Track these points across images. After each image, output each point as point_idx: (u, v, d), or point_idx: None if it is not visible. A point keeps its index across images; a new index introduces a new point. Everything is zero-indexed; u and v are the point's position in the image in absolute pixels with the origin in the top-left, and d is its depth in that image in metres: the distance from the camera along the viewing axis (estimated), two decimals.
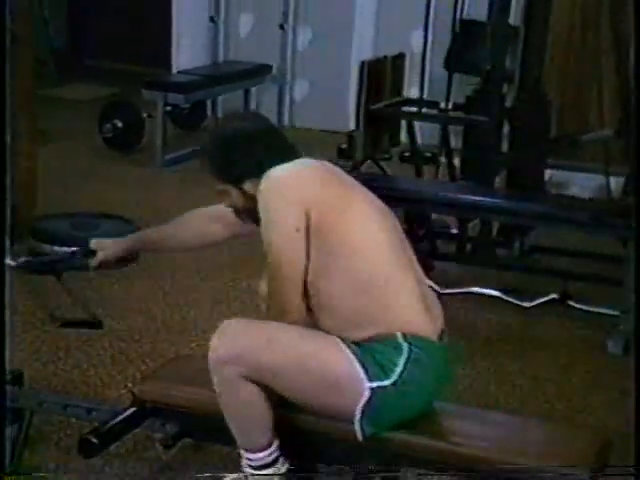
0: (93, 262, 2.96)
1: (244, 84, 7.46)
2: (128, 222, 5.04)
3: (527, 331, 4.31)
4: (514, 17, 5.26)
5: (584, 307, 4.45)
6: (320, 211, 2.53)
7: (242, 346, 2.52)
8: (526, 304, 4.50)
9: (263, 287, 2.82)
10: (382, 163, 5.31)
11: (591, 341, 4.19)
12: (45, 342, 3.85)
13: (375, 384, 2.50)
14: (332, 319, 2.57)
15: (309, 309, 2.60)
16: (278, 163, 2.60)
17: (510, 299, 4.53)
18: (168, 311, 4.29)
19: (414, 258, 2.70)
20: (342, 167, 2.77)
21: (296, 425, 2.65)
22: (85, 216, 5.06)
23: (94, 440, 2.74)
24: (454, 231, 5.10)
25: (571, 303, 4.49)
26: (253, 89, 7.59)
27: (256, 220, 2.65)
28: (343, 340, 2.54)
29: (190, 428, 2.80)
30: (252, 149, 2.63)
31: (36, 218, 5.00)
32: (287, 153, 2.66)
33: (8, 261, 2.80)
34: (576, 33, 6.05)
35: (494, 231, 5.00)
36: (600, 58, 5.76)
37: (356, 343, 2.53)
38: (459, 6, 5.12)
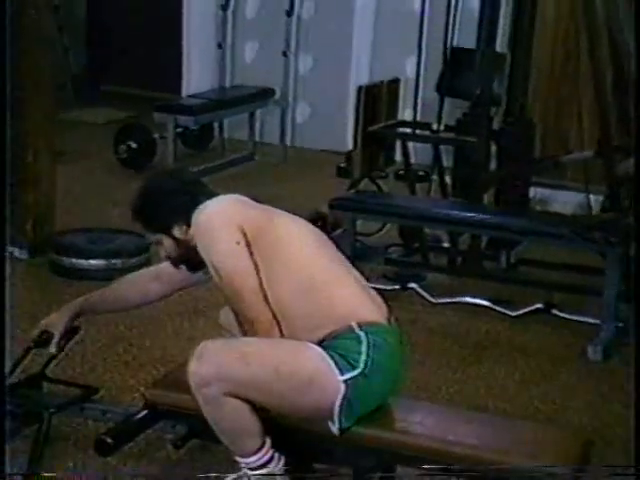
0: (55, 339, 3.00)
1: (249, 107, 7.46)
2: (141, 236, 5.04)
3: (514, 338, 4.31)
4: (501, 45, 5.28)
5: (567, 316, 4.45)
6: (252, 226, 2.60)
7: (220, 365, 2.51)
8: (513, 313, 4.50)
9: (223, 317, 2.87)
10: (378, 181, 5.32)
11: (573, 348, 4.19)
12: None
13: (347, 376, 2.51)
14: (289, 327, 2.59)
15: None
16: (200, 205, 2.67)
17: (498, 308, 4.53)
18: (178, 319, 4.29)
19: (348, 263, 2.75)
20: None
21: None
22: (102, 231, 5.07)
23: (109, 440, 2.75)
24: (446, 245, 5.11)
25: (555, 312, 4.49)
26: (258, 112, 7.60)
27: (191, 266, 2.77)
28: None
29: (198, 429, 2.80)
30: (174, 199, 2.72)
31: (56, 233, 5.01)
32: (208, 197, 2.72)
33: None
34: (558, 61, 6.07)
35: (483, 245, 5.01)
36: (580, 84, 5.78)
37: (318, 344, 2.54)
38: (450, 35, 5.14)
